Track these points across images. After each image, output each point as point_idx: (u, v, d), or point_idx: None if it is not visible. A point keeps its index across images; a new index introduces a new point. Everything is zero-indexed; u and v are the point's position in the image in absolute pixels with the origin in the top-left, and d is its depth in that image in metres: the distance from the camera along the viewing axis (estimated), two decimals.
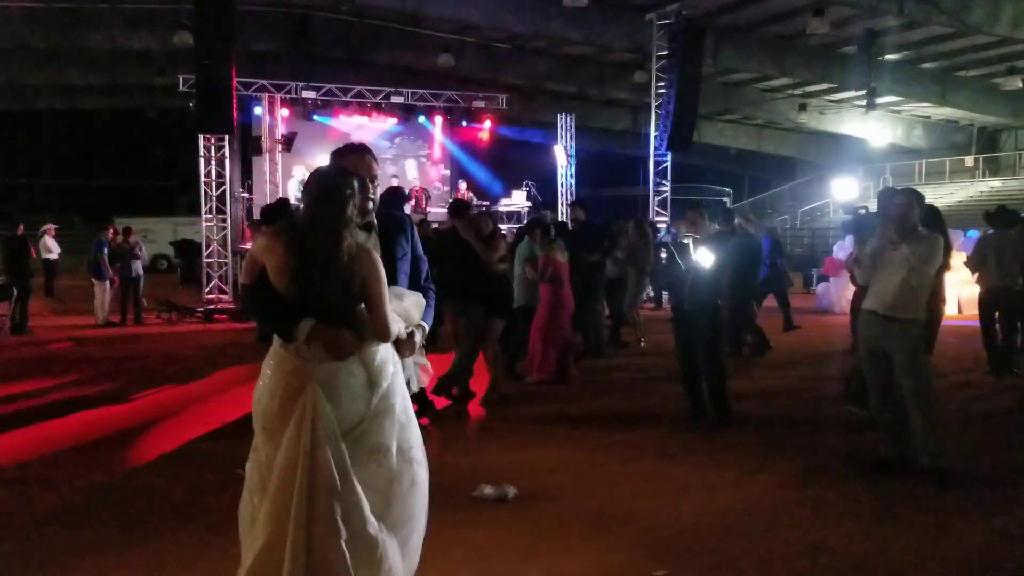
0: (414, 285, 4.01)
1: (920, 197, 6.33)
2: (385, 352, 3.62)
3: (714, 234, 8.20)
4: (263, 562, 3.42)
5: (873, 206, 9.28)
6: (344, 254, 3.47)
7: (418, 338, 3.81)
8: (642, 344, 12.93)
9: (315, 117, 24.16)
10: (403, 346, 3.72)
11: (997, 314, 10.47)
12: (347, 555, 3.39)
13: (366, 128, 25.16)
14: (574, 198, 24.83)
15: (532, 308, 10.25)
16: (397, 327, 3.62)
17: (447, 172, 26.83)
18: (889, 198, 6.91)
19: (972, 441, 7.47)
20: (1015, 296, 10.24)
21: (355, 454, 3.49)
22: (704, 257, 7.78)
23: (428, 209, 22.82)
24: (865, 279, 6.41)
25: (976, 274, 10.62)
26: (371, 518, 3.48)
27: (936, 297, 7.33)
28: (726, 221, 11.14)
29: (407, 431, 3.69)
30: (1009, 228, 10.52)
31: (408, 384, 3.83)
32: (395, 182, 22.46)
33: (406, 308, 3.74)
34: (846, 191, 31.68)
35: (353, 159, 3.81)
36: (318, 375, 3.48)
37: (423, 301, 3.90)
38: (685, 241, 7.97)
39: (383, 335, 3.55)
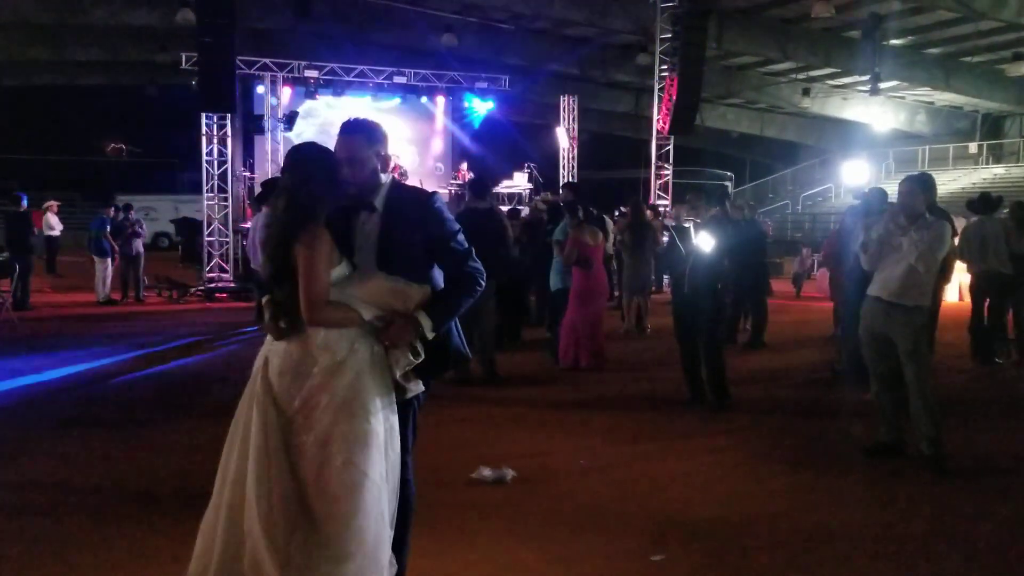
0: (448, 274, 3.79)
1: (929, 183, 6.31)
2: (332, 336, 3.49)
3: (714, 218, 8.17)
4: (205, 526, 3.54)
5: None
6: (275, 226, 3.52)
7: (395, 329, 3.54)
8: (644, 330, 12.89)
9: (318, 96, 24.11)
10: (380, 334, 3.55)
11: (987, 300, 10.53)
12: (267, 532, 3.35)
13: (368, 107, 25.12)
14: (567, 180, 24.76)
15: (568, 291, 10.25)
16: (327, 311, 3.46)
17: (449, 152, 26.75)
18: None
19: (967, 427, 7.48)
20: (1005, 279, 10.26)
21: (289, 436, 3.44)
22: (704, 241, 7.78)
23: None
24: (871, 265, 6.40)
25: (966, 262, 10.69)
26: (287, 506, 3.39)
27: (940, 286, 7.37)
28: (718, 205, 11.10)
29: (345, 427, 3.45)
30: (991, 214, 10.57)
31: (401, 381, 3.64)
32: (397, 164, 22.38)
33: (370, 293, 3.55)
34: (856, 175, 31.57)
35: (338, 138, 3.74)
36: (268, 351, 3.56)
37: (412, 291, 3.61)
38: (686, 225, 7.97)
39: (305, 314, 3.43)
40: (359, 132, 3.73)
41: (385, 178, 3.77)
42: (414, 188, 4.04)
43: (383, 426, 3.57)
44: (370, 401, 3.51)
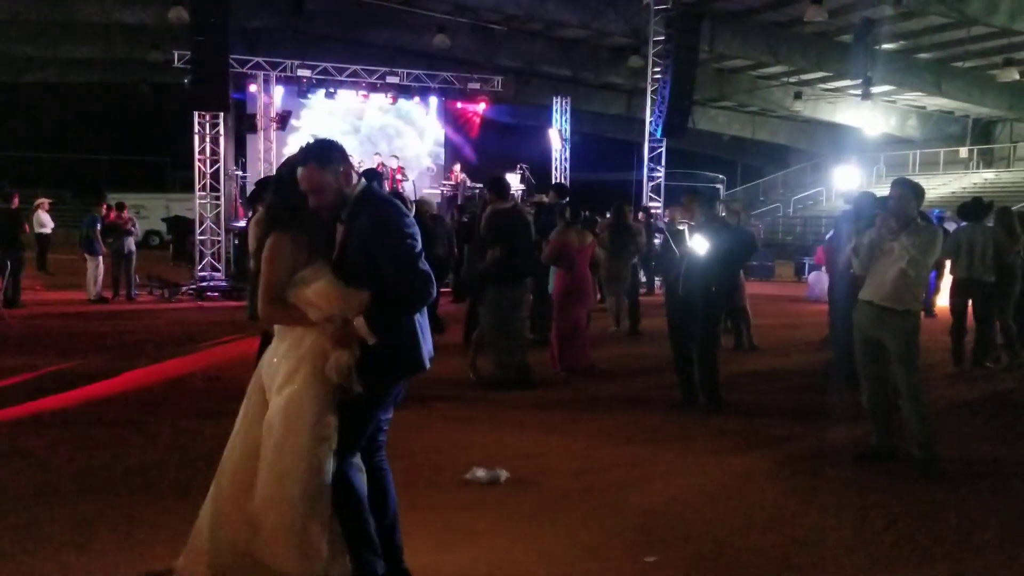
0: (388, 280, 3.77)
1: (918, 189, 6.35)
2: (286, 328, 3.92)
3: (708, 221, 8.18)
4: None
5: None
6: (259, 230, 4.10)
7: (328, 328, 3.74)
8: (611, 330, 12.82)
9: (310, 95, 24.13)
10: (325, 335, 3.79)
11: (970, 305, 10.60)
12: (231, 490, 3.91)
13: (361, 108, 25.18)
14: (556, 182, 24.79)
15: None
16: (274, 308, 3.86)
17: (441, 153, 26.74)
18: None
19: (959, 431, 7.52)
20: (986, 288, 10.31)
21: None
22: (698, 244, 7.79)
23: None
24: (862, 269, 6.43)
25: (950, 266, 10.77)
26: (247, 469, 3.87)
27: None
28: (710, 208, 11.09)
29: (276, 412, 3.82)
30: (980, 221, 10.62)
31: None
32: (381, 162, 22.40)
33: (315, 293, 3.78)
34: (847, 179, 31.65)
35: (298, 171, 3.86)
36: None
37: (351, 295, 3.76)
38: (681, 228, 7.98)
39: (259, 309, 3.93)
40: (310, 160, 3.81)
41: (353, 189, 3.84)
42: (377, 196, 3.98)
43: (315, 420, 3.79)
44: (304, 394, 3.79)
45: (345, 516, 3.89)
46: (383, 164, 22.37)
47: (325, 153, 3.84)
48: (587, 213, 11.56)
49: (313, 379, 3.79)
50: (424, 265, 3.80)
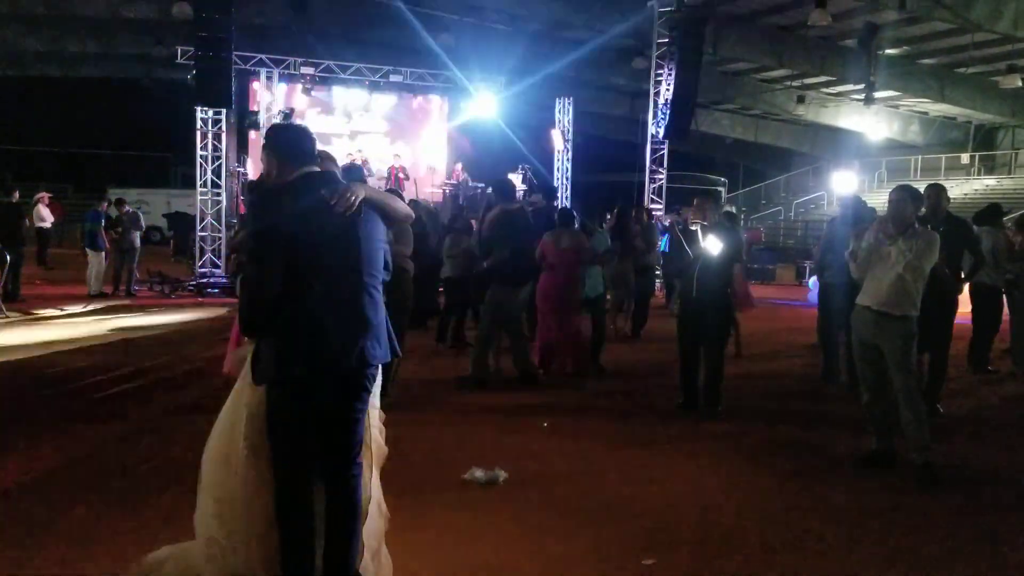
0: None
1: (917, 194, 6.35)
2: None
3: (721, 223, 8.17)
4: None
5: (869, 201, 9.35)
6: None
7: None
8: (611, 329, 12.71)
9: (313, 92, 24.12)
10: None
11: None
12: None
13: (364, 106, 25.15)
14: (567, 182, 24.79)
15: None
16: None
17: (444, 152, 26.70)
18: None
19: (959, 437, 7.51)
20: (989, 290, 10.32)
21: None
22: (712, 245, 7.78)
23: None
24: (860, 274, 6.43)
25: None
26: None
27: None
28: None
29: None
30: (994, 226, 10.63)
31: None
32: (364, 158, 22.37)
33: None
34: (848, 183, 31.68)
35: None
36: None
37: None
38: (693, 229, 7.96)
39: None
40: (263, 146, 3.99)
41: (284, 179, 3.84)
42: (274, 185, 3.85)
43: (236, 417, 3.85)
44: (237, 389, 3.90)
45: (281, 531, 3.73)
46: (366, 160, 22.36)
47: (267, 140, 3.98)
48: (574, 213, 11.18)
49: (244, 375, 3.85)
50: (263, 274, 3.57)
